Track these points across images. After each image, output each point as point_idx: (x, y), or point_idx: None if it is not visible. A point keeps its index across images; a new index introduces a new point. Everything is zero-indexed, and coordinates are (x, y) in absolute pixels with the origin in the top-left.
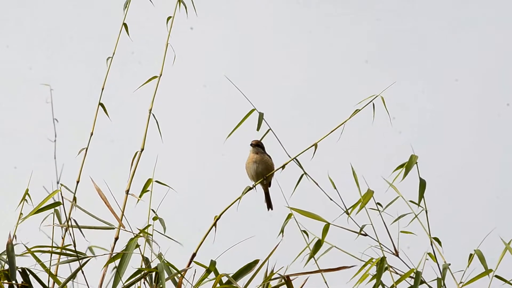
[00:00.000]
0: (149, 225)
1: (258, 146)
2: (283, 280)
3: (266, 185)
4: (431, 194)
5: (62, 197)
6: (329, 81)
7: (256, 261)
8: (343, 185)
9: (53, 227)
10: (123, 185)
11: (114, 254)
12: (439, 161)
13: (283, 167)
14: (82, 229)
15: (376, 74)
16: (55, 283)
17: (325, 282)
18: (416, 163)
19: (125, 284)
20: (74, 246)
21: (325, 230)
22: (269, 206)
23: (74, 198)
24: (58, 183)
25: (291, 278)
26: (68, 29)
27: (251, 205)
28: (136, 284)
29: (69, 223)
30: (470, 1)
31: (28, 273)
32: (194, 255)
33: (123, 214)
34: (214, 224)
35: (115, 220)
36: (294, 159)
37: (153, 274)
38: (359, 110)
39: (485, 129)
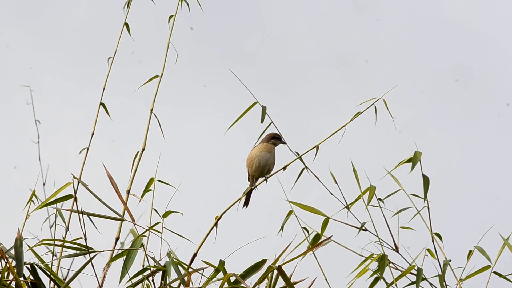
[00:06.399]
0: (158, 222)
1: (280, 140)
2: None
3: (258, 184)
4: (429, 193)
5: (74, 189)
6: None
7: (264, 261)
8: (343, 184)
9: (55, 227)
10: (123, 186)
11: (122, 250)
12: (438, 161)
13: (284, 168)
14: (83, 229)
15: (376, 75)
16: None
17: (326, 280)
18: (420, 160)
19: (133, 281)
20: (85, 238)
21: (325, 224)
22: (246, 203)
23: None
24: (44, 184)
25: (294, 277)
26: (68, 29)
27: (250, 204)
28: (139, 283)
29: (80, 212)
30: (467, 1)
31: (37, 269)
32: (195, 255)
33: (125, 211)
34: (215, 224)
35: (117, 217)
36: (299, 158)
37: (159, 272)
38: (361, 112)
39: (485, 129)
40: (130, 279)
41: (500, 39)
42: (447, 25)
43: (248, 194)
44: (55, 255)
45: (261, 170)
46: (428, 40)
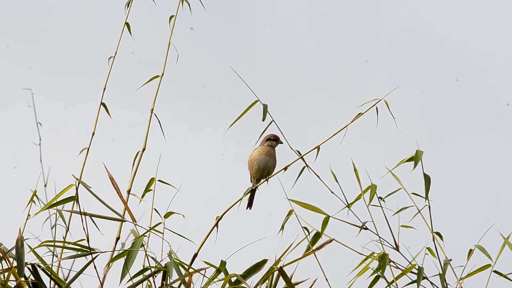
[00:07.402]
0: (160, 223)
1: (276, 141)
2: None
3: (259, 184)
4: (429, 193)
5: (77, 191)
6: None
7: (264, 261)
8: (344, 183)
9: (56, 227)
10: (123, 186)
11: (123, 250)
12: (438, 161)
13: (285, 168)
14: (85, 231)
15: (376, 75)
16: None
17: (326, 279)
18: (421, 159)
19: (133, 281)
20: (88, 239)
21: (325, 222)
22: (250, 205)
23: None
24: (45, 186)
25: (295, 277)
26: (68, 29)
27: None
28: (140, 284)
29: (82, 213)
30: (467, 1)
31: (39, 269)
32: (196, 255)
33: (125, 211)
34: (216, 225)
35: (118, 218)
36: (301, 158)
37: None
38: (362, 113)
39: (485, 129)
40: (131, 279)
41: (500, 39)
42: (447, 25)
43: (251, 196)
44: (56, 256)
45: (261, 172)
46: (428, 40)
